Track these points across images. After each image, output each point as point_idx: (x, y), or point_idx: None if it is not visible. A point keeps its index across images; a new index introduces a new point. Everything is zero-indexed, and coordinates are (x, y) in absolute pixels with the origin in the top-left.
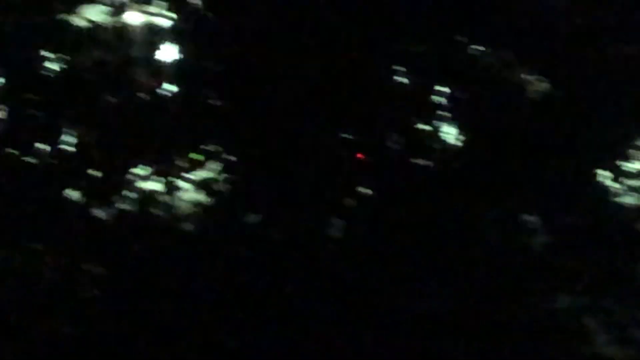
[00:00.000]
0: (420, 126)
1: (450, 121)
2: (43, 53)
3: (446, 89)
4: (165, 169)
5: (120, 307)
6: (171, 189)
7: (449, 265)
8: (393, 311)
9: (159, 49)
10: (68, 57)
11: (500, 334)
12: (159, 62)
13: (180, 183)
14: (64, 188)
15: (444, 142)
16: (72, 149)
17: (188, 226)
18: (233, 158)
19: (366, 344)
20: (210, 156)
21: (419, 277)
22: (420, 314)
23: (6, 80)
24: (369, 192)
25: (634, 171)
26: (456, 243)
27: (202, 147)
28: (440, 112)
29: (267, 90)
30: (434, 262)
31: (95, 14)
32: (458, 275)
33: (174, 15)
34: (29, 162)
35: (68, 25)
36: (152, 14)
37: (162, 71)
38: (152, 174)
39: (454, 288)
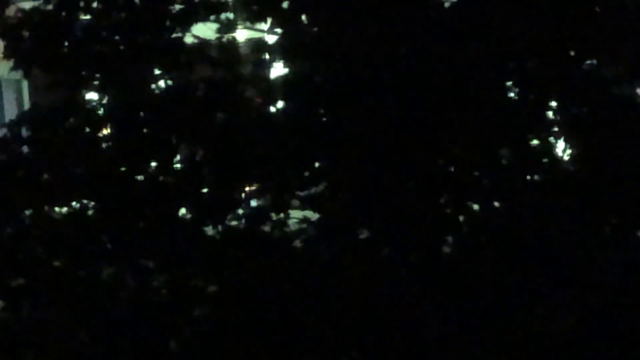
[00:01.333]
0: (534, 142)
1: (563, 136)
2: (155, 71)
3: (559, 104)
4: (275, 186)
5: (231, 324)
6: (281, 206)
7: (563, 282)
8: (510, 329)
9: (268, 65)
10: (179, 75)
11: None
12: (268, 79)
13: (291, 200)
14: (175, 206)
15: (557, 158)
16: (183, 166)
17: (298, 243)
18: (342, 175)
19: None
20: (320, 173)
21: (533, 295)
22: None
23: (118, 98)
24: (481, 208)
25: None
26: (570, 260)
27: (311, 164)
28: (553, 128)
29: (376, 107)
30: (548, 279)
31: (205, 31)
32: (573, 293)
33: (281, 31)
34: (140, 180)
35: (180, 43)
36: (260, 31)
37: (272, 88)
38: (263, 191)
39: (571, 306)
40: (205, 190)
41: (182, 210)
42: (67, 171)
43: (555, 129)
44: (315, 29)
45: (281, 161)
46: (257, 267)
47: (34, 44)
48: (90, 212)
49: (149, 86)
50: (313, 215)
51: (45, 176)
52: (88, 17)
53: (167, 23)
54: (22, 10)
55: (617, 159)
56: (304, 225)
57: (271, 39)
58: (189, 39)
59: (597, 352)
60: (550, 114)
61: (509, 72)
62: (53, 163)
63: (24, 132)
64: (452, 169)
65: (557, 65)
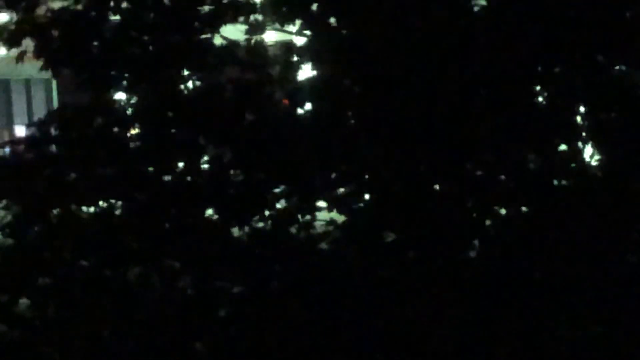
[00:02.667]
0: (561, 147)
1: (591, 142)
2: (184, 72)
3: (587, 110)
4: (302, 188)
5: (256, 325)
6: (308, 208)
7: (588, 288)
8: (535, 335)
9: (296, 67)
10: (208, 76)
11: None
12: (296, 80)
13: (317, 202)
14: (202, 206)
15: (584, 163)
16: (210, 167)
17: (324, 245)
18: (369, 177)
19: None
20: (346, 175)
21: (556, 301)
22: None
23: (147, 99)
24: (508, 212)
25: None
26: (595, 265)
27: (338, 166)
28: (581, 133)
29: (403, 109)
30: (573, 285)
31: (234, 32)
32: (598, 298)
33: (310, 33)
34: (167, 181)
35: (209, 44)
36: (289, 33)
37: (300, 90)
38: (289, 193)
39: (599, 312)
40: (232, 191)
41: (209, 211)
42: (94, 171)
43: (583, 134)
44: (344, 31)
45: (308, 163)
46: (283, 268)
47: (63, 44)
48: (117, 212)
49: (178, 87)
50: (339, 218)
51: (73, 175)
52: (117, 17)
53: (196, 24)
54: (52, 10)
55: None
56: (330, 228)
57: (300, 40)
58: (217, 40)
59: None
60: (578, 119)
61: (538, 77)
62: (81, 163)
63: (53, 132)
64: (479, 173)
65: (585, 71)
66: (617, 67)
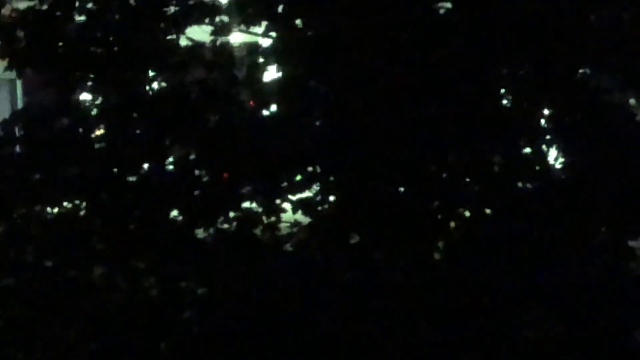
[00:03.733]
0: (526, 149)
1: (555, 144)
2: (149, 73)
3: (551, 112)
4: (267, 189)
5: (220, 326)
6: (272, 209)
7: (551, 290)
8: (501, 335)
9: (262, 69)
10: (173, 77)
11: None
12: (261, 82)
13: (282, 203)
14: (167, 207)
15: (548, 165)
16: (175, 168)
17: (288, 247)
18: (334, 179)
19: None
20: (311, 177)
21: (519, 303)
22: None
23: (112, 99)
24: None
25: None
26: (560, 268)
27: (303, 167)
28: (545, 136)
29: (369, 112)
30: (537, 286)
31: (200, 34)
32: (563, 300)
33: (276, 35)
34: (132, 182)
35: (174, 45)
36: (255, 34)
37: (265, 91)
38: (254, 194)
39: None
40: (197, 192)
41: (174, 212)
42: (59, 171)
43: (548, 136)
44: (310, 32)
45: (273, 164)
46: (248, 270)
47: (28, 44)
48: (81, 213)
49: (143, 87)
50: (304, 219)
51: (37, 176)
52: (82, 17)
53: (162, 25)
54: (17, 10)
55: (608, 167)
56: (295, 229)
57: (265, 42)
58: (183, 41)
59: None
60: (542, 121)
61: (502, 79)
62: (45, 163)
63: (17, 132)
64: (444, 175)
65: (550, 73)
66: (581, 70)
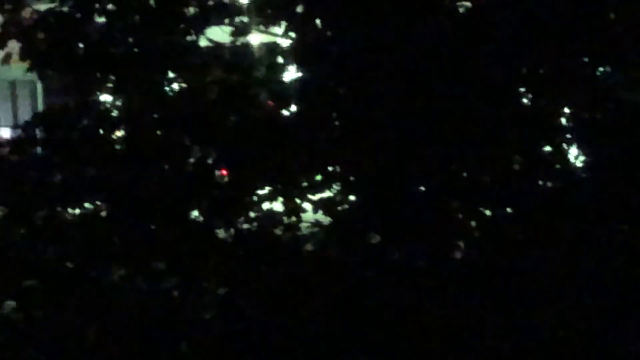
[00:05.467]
0: (546, 148)
1: (575, 143)
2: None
3: (571, 111)
4: (287, 190)
5: (241, 326)
6: (293, 209)
7: (573, 289)
8: (518, 334)
9: (281, 69)
10: (193, 78)
11: None
12: (281, 82)
13: (302, 204)
14: (187, 208)
15: (569, 164)
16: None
17: (309, 247)
18: (354, 179)
19: None
20: (332, 177)
21: (541, 299)
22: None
23: (132, 100)
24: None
25: None
26: (580, 267)
27: (323, 167)
28: (565, 135)
29: (389, 112)
30: (556, 284)
31: (220, 34)
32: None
33: (295, 35)
34: (152, 182)
35: (194, 46)
36: (274, 35)
37: (285, 92)
38: (274, 194)
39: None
40: (217, 192)
41: (195, 213)
42: (80, 172)
43: (568, 135)
44: (329, 33)
45: (293, 165)
46: (268, 270)
47: (48, 46)
48: (102, 214)
49: (163, 88)
50: (324, 219)
51: (58, 177)
52: (103, 19)
53: (182, 26)
54: (37, 12)
55: (629, 165)
56: (316, 229)
57: (285, 42)
58: (203, 42)
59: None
60: (563, 120)
61: (522, 78)
62: (66, 164)
63: (38, 133)
64: (464, 175)
65: (570, 72)
66: (601, 68)
